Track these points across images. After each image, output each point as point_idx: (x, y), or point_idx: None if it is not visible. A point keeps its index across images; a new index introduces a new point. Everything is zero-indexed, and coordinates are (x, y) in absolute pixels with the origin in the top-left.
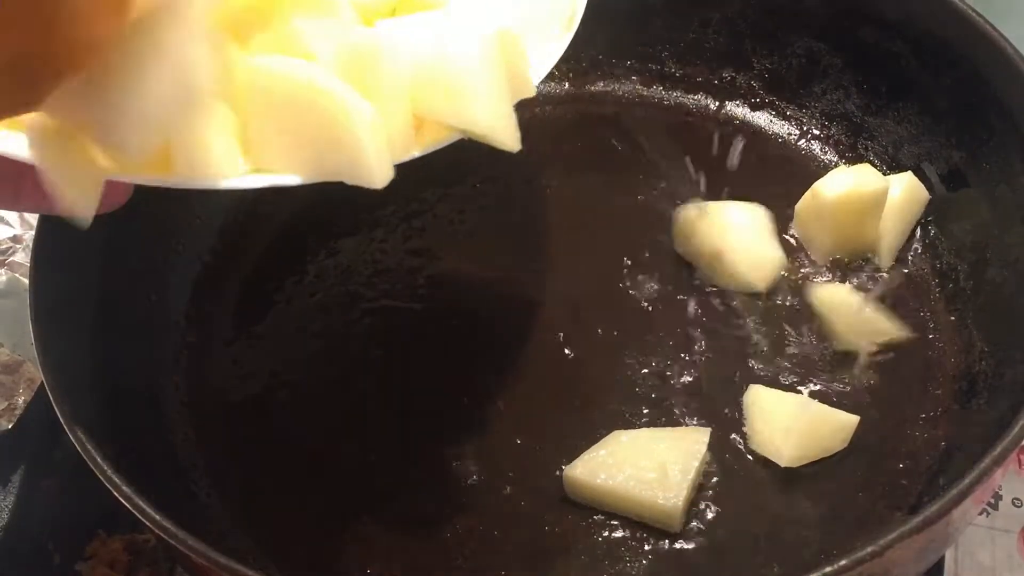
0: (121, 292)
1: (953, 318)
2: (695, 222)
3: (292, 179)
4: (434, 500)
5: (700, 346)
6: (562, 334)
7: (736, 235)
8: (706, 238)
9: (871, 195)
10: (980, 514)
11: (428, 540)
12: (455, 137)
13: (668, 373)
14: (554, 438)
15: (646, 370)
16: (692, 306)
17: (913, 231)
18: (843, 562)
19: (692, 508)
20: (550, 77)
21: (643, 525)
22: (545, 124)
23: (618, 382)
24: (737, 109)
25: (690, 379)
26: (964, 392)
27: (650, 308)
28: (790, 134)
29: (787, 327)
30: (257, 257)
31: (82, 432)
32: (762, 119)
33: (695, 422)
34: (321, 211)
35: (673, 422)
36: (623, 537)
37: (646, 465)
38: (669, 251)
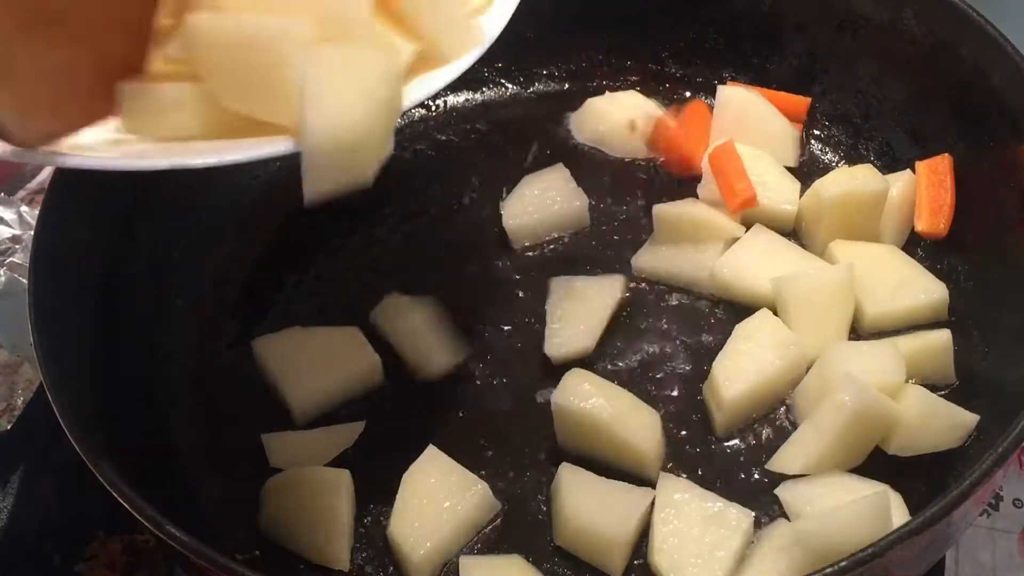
0: (120, 293)
1: (953, 318)
2: (606, 107)
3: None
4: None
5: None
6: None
7: (641, 111)
8: (619, 115)
9: (871, 195)
10: (981, 515)
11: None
12: None
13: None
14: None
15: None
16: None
17: (914, 231)
18: (843, 563)
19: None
20: (549, 77)
21: None
22: (540, 122)
23: None
24: None
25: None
26: (964, 392)
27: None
28: None
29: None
30: (257, 257)
31: (81, 433)
32: None
33: None
34: (320, 211)
35: None
36: None
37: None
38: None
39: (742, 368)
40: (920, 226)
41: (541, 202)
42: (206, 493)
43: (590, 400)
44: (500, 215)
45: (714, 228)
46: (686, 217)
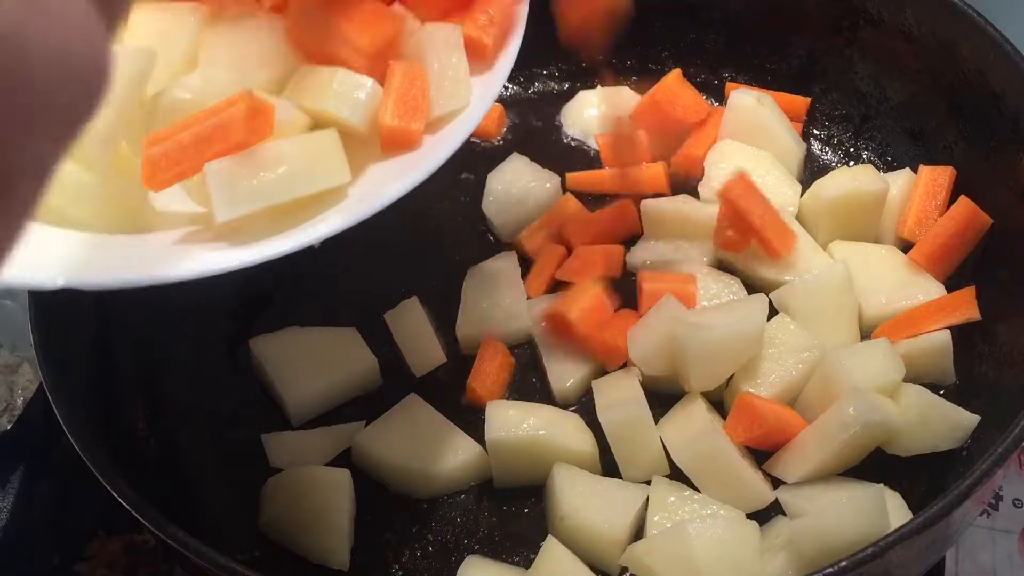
0: (119, 293)
1: None
2: (596, 100)
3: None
4: (429, 509)
5: None
6: None
7: (630, 107)
8: (607, 110)
9: (871, 195)
10: (981, 515)
11: (421, 540)
12: None
13: None
14: None
15: None
16: None
17: None
18: (843, 563)
19: None
20: (550, 76)
21: None
22: (539, 121)
23: None
24: None
25: None
26: (964, 392)
27: None
28: None
29: None
30: None
31: (81, 433)
32: None
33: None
34: None
35: None
36: None
37: None
38: None
39: (764, 373)
40: (903, 232)
41: (517, 192)
42: (206, 493)
43: (523, 425)
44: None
45: (703, 224)
46: (673, 213)
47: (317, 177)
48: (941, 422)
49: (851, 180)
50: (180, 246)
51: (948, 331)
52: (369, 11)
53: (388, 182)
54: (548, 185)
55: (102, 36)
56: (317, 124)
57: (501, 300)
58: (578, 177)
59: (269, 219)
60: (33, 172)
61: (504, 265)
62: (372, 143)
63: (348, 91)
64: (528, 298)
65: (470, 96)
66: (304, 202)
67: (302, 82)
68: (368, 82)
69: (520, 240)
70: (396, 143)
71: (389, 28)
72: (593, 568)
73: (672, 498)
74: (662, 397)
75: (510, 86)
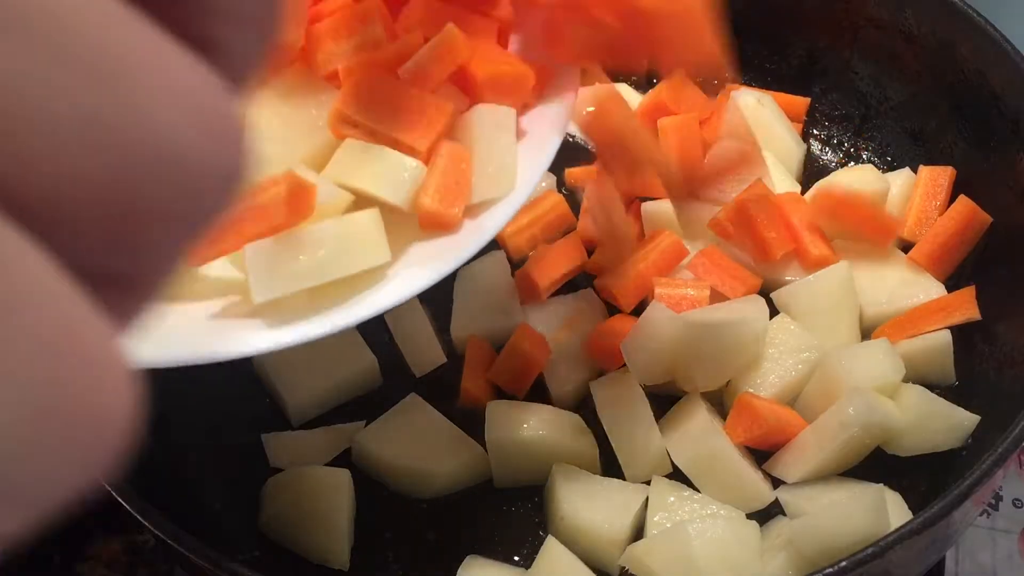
0: None
1: None
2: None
3: None
4: (427, 509)
5: None
6: None
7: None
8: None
9: (871, 195)
10: (981, 515)
11: (421, 540)
12: None
13: None
14: None
15: None
16: None
17: None
18: (843, 563)
19: None
20: None
21: None
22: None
23: None
24: None
25: None
26: (964, 392)
27: None
28: None
29: None
30: None
31: None
32: None
33: None
34: None
35: None
36: None
37: None
38: None
39: (764, 373)
40: (903, 232)
41: None
42: (206, 493)
43: (523, 425)
44: None
45: (703, 224)
46: (673, 214)
47: (357, 259)
48: (941, 422)
49: (851, 180)
50: (218, 322)
51: (948, 331)
52: (420, 111)
53: (426, 263)
54: (544, 184)
55: (238, 130)
56: (359, 198)
57: (491, 300)
58: (576, 173)
59: (307, 295)
60: (157, 271)
61: (493, 264)
62: (415, 220)
63: (392, 171)
64: (522, 304)
65: (514, 184)
66: (344, 279)
67: (345, 157)
68: (413, 163)
69: (502, 236)
70: (434, 225)
71: (440, 126)
72: (593, 568)
73: (672, 498)
74: (662, 397)
75: None
